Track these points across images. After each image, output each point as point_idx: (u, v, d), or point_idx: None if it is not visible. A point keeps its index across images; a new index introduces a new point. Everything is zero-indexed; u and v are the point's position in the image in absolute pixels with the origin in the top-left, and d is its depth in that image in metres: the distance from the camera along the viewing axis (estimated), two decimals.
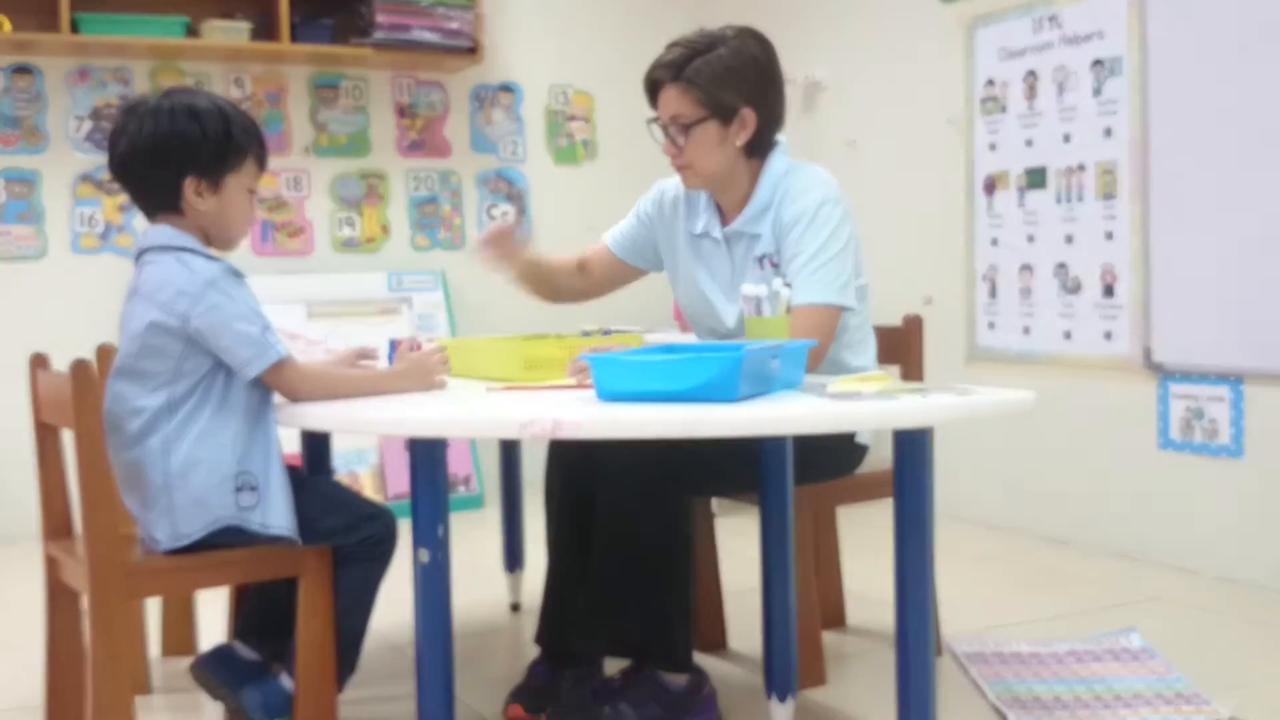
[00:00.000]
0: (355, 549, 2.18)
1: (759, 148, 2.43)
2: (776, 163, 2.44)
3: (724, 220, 2.50)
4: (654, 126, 2.45)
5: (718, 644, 2.83)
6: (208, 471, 2.05)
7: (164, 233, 2.10)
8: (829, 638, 2.77)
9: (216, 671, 2.23)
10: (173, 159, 2.07)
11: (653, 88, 2.42)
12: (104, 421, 2.06)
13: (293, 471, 2.14)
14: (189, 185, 2.08)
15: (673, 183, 2.60)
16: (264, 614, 2.29)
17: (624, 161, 5.02)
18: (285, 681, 2.18)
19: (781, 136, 2.49)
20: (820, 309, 2.30)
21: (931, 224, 4.18)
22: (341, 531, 2.17)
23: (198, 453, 2.05)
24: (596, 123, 5.12)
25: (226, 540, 2.08)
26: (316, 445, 2.72)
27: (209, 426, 2.06)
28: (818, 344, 2.23)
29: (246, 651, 2.27)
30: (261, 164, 2.18)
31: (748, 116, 2.38)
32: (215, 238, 2.15)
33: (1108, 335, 3.61)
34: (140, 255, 2.12)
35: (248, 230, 2.21)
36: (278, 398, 2.12)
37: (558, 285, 2.74)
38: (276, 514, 2.08)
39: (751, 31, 2.43)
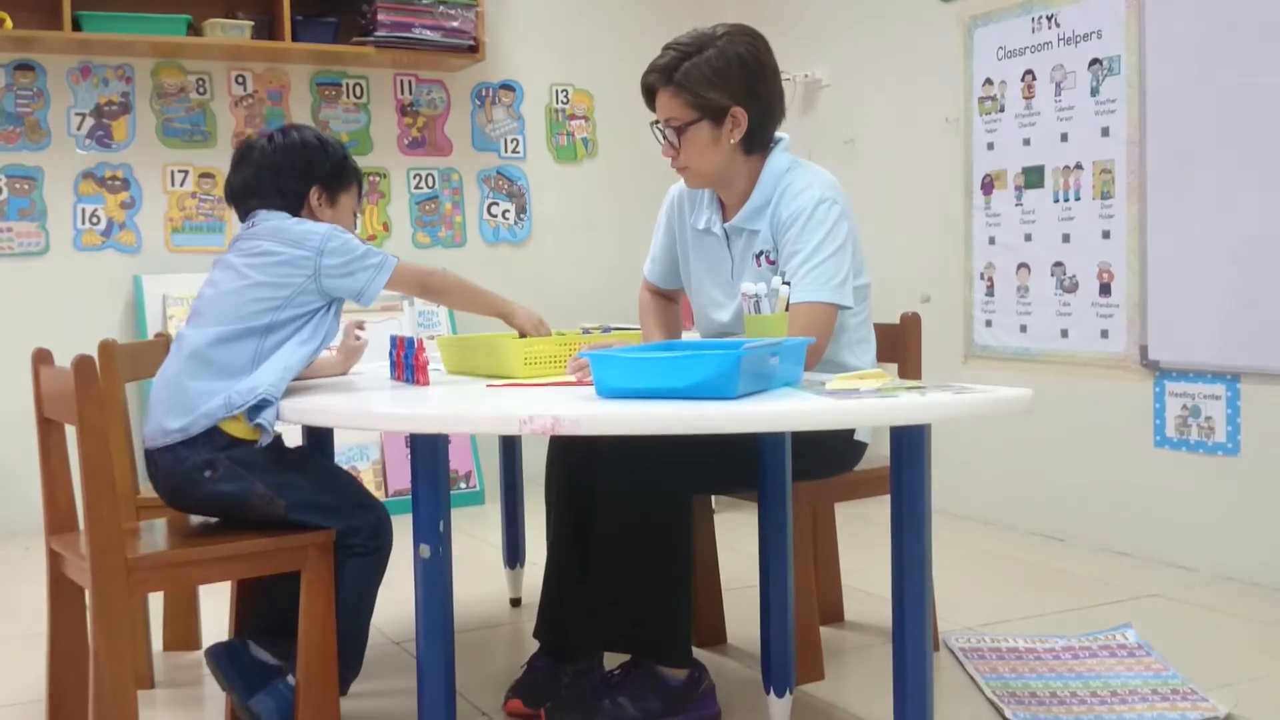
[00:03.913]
0: (349, 544, 2.20)
1: (756, 144, 2.44)
2: (777, 160, 2.46)
3: (725, 216, 2.52)
4: (655, 129, 2.47)
5: (717, 639, 2.85)
6: (278, 360, 2.20)
7: (279, 212, 2.33)
8: (827, 633, 2.79)
9: (226, 670, 2.24)
10: (302, 171, 2.35)
11: (648, 92, 2.44)
12: (181, 329, 2.28)
13: (305, 450, 2.18)
14: (314, 193, 2.36)
15: (679, 184, 2.62)
16: (276, 615, 2.30)
17: (624, 159, 5.04)
18: (293, 682, 2.20)
19: (784, 134, 2.51)
20: (817, 307, 2.31)
21: (929, 222, 4.20)
22: (332, 512, 2.21)
23: (278, 359, 2.20)
24: (597, 121, 5.13)
25: (211, 479, 2.16)
26: (319, 440, 2.73)
27: (293, 346, 2.23)
28: (815, 342, 2.24)
29: (260, 653, 2.28)
30: (361, 196, 2.51)
31: (739, 115, 2.40)
32: None
33: (1104, 333, 3.62)
34: (253, 224, 2.32)
35: None
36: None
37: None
38: (267, 414, 2.18)
39: (742, 29, 2.44)
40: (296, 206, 2.35)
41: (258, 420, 2.15)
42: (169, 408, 2.20)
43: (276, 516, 2.18)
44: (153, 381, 2.34)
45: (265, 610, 2.35)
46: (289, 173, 2.34)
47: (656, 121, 2.45)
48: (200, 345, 2.20)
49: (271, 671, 2.26)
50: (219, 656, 2.26)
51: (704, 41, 2.39)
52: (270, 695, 2.20)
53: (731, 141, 2.41)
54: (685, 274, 2.64)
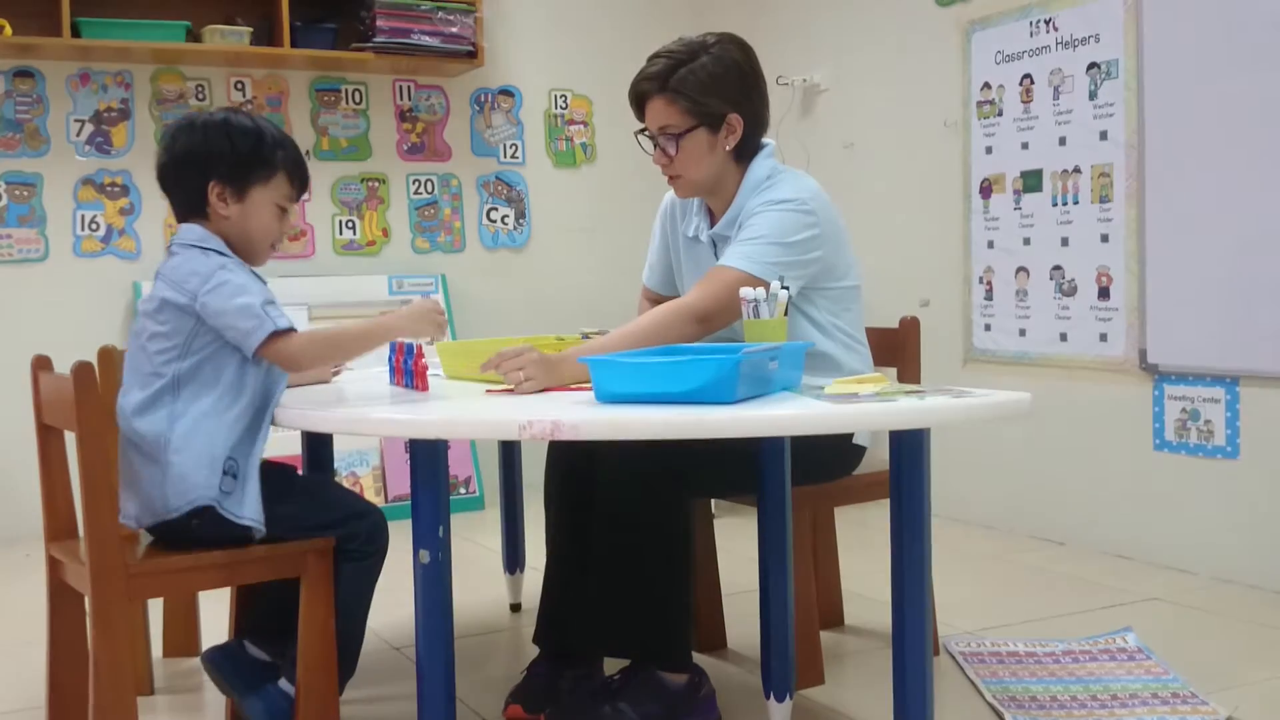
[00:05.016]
0: (347, 549, 2.20)
1: (747, 151, 2.45)
2: (758, 168, 2.45)
3: (713, 223, 2.52)
4: (642, 138, 2.47)
5: (717, 644, 2.85)
6: (201, 449, 2.08)
7: (196, 231, 2.18)
8: (827, 638, 2.79)
9: (223, 670, 2.25)
10: (200, 165, 2.16)
11: (639, 100, 2.44)
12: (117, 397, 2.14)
13: (285, 469, 2.16)
14: (213, 189, 2.16)
15: (672, 192, 2.62)
16: (275, 615, 2.30)
17: (623, 164, 5.03)
18: (286, 686, 2.19)
19: (770, 140, 2.51)
20: (735, 271, 2.29)
21: (928, 226, 4.20)
22: (328, 527, 2.19)
23: (199, 428, 2.09)
24: (595, 126, 5.13)
25: (199, 527, 2.10)
26: (318, 446, 2.73)
27: (215, 405, 2.10)
28: (719, 305, 2.27)
29: (256, 651, 2.29)
30: (296, 184, 2.25)
31: (735, 122, 2.40)
32: (239, 248, 2.20)
33: (1103, 337, 3.62)
34: (169, 247, 2.20)
35: (271, 246, 2.26)
36: (283, 397, 2.14)
37: None
38: (249, 505, 2.12)
39: (731, 37, 2.45)
40: (199, 205, 2.17)
41: (235, 518, 2.10)
42: (124, 484, 2.16)
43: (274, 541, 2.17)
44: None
45: (261, 611, 2.35)
46: (189, 162, 2.17)
47: (643, 130, 2.46)
48: (126, 414, 2.13)
49: (268, 670, 2.26)
50: (216, 660, 2.26)
51: (696, 49, 2.40)
52: (260, 698, 2.19)
53: (726, 149, 2.41)
54: (679, 281, 2.64)
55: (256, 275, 2.17)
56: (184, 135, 2.18)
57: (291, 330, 2.09)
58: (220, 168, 2.16)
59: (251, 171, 2.18)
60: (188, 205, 2.19)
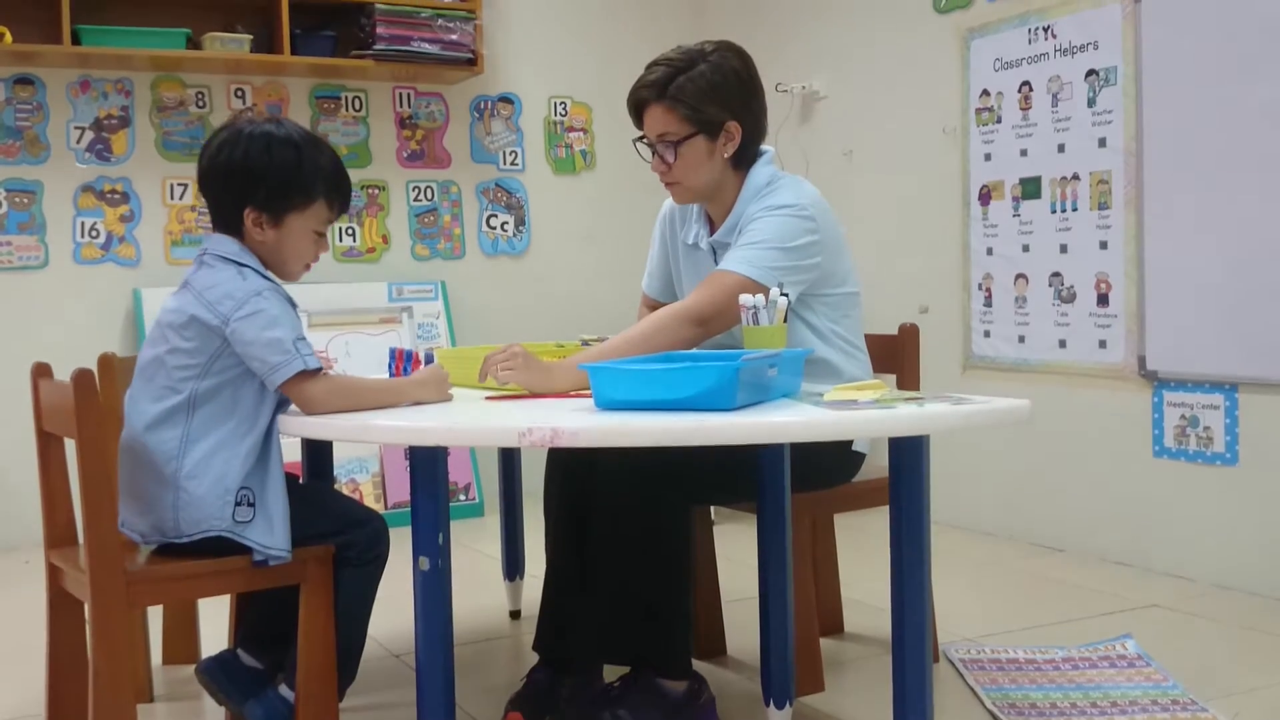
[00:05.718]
0: (347, 555, 2.20)
1: (745, 159, 2.46)
2: (758, 174, 2.46)
3: (712, 230, 2.53)
4: (640, 145, 2.48)
5: (716, 651, 2.85)
6: (215, 480, 2.07)
7: (231, 245, 2.14)
8: (827, 645, 2.78)
9: (218, 680, 2.25)
10: (235, 188, 2.12)
11: (638, 107, 2.45)
12: (124, 402, 2.11)
13: (286, 477, 2.16)
14: (248, 215, 2.13)
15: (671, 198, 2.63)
16: (266, 623, 2.30)
17: (622, 172, 5.04)
18: (285, 692, 2.19)
19: (769, 146, 2.52)
20: (735, 276, 2.31)
21: (927, 233, 4.20)
22: (329, 535, 2.19)
23: (215, 457, 2.08)
24: (595, 133, 5.14)
25: (215, 548, 2.09)
26: (318, 453, 2.73)
27: (229, 436, 2.09)
28: (718, 308, 2.28)
29: (249, 660, 2.29)
30: (335, 207, 2.22)
31: (733, 129, 2.41)
32: (272, 265, 2.19)
33: (1102, 344, 3.63)
34: (202, 255, 2.16)
35: (304, 269, 2.23)
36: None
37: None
38: (276, 535, 2.10)
39: (729, 45, 2.46)
40: (235, 223, 2.14)
41: (260, 547, 2.09)
42: (127, 498, 2.13)
43: None
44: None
45: (255, 619, 2.35)
46: (229, 179, 2.13)
47: (642, 137, 2.47)
48: (135, 426, 2.10)
49: (261, 677, 2.26)
50: (211, 670, 2.26)
51: (695, 57, 2.41)
52: (260, 703, 2.19)
53: (724, 156, 2.42)
54: (679, 288, 2.65)
55: (290, 301, 2.14)
56: (228, 148, 2.13)
57: (318, 371, 2.07)
58: (258, 194, 2.11)
59: (288, 200, 2.14)
60: (224, 220, 2.16)
